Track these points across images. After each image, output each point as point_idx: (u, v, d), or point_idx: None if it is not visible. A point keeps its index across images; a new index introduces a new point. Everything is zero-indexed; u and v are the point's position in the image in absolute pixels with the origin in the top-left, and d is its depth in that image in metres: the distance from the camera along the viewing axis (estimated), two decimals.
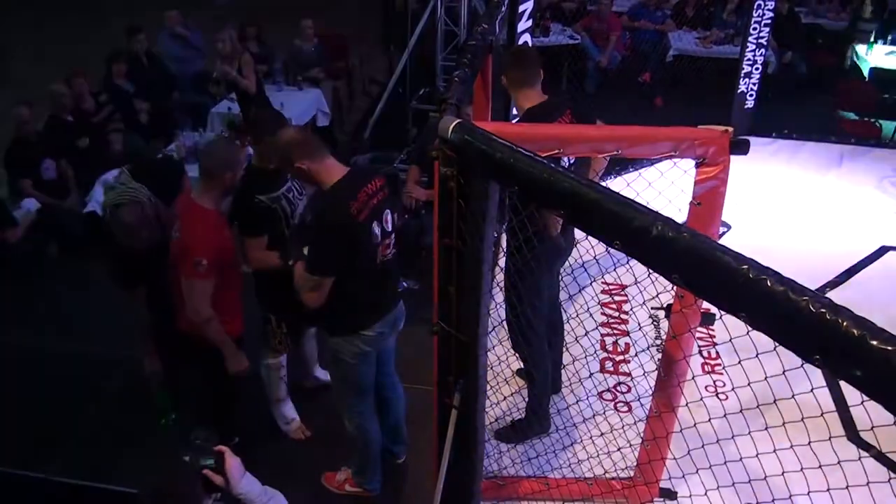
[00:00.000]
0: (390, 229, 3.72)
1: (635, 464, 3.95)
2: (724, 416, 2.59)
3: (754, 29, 7.82)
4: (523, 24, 5.98)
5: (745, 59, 7.99)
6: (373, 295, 3.78)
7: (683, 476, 3.08)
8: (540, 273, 3.93)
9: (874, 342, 1.21)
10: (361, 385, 3.99)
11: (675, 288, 2.74)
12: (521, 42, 6.00)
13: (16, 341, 5.64)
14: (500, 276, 4.36)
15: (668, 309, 3.33)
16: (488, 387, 2.89)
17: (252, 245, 4.07)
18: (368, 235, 3.57)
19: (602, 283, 5.78)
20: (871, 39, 9.99)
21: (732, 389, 4.60)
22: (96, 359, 5.42)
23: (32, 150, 7.00)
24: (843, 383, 1.27)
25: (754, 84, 8.13)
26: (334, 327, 3.85)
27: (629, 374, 5.05)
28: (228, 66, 7.89)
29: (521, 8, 5.85)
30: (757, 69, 8.06)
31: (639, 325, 5.37)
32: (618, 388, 4.95)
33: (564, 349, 4.52)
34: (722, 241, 1.52)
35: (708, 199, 2.96)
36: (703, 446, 2.78)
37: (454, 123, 2.10)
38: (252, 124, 4.50)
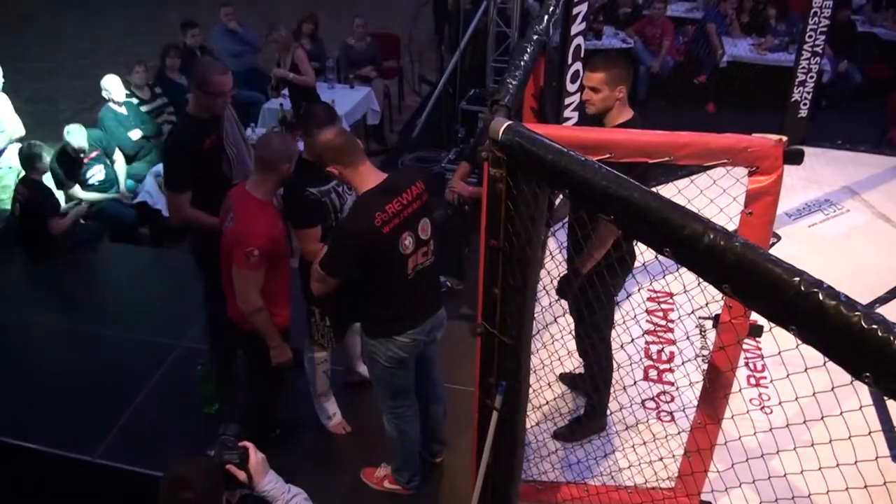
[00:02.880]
0: (426, 237, 3.71)
1: (676, 475, 3.91)
2: (770, 430, 2.55)
3: (810, 37, 7.71)
4: (577, 27, 5.94)
5: (800, 66, 7.88)
6: (405, 303, 3.76)
7: (726, 489, 3.05)
8: (615, 283, 3.96)
9: None
10: (397, 388, 3.99)
11: (724, 298, 2.71)
12: (574, 45, 5.97)
13: (68, 325, 5.76)
14: (545, 279, 4.35)
15: (715, 319, 3.30)
16: (530, 390, 2.88)
17: (306, 236, 4.09)
18: (394, 247, 3.55)
19: (649, 290, 5.74)
20: None
21: (779, 403, 4.53)
22: (144, 344, 5.50)
23: (79, 160, 7.10)
24: (889, 402, 1.25)
25: (808, 92, 8.01)
26: (370, 330, 3.87)
27: (673, 384, 5.00)
28: (282, 61, 7.97)
29: (575, 10, 5.82)
30: (811, 77, 7.94)
31: (685, 334, 5.32)
32: (661, 397, 4.91)
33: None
34: (772, 252, 1.50)
35: (760, 208, 2.92)
36: (746, 460, 2.74)
37: (505, 125, 2.10)
38: (304, 117, 4.53)
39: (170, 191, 4.55)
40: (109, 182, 7.31)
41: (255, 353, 4.11)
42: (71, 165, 7.03)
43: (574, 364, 4.56)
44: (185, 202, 4.36)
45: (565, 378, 4.79)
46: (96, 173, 7.21)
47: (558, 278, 3.99)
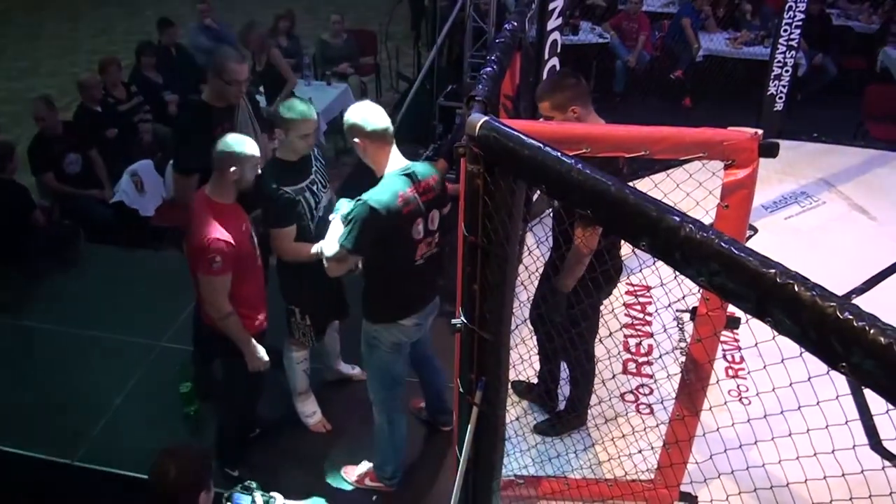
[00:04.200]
0: (435, 228, 3.80)
1: (656, 467, 3.93)
2: (748, 421, 2.57)
3: (785, 31, 7.76)
4: (553, 22, 5.95)
5: (776, 60, 7.93)
6: (412, 288, 3.86)
7: (705, 480, 3.06)
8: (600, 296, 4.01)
9: None
10: (392, 376, 4.04)
11: (701, 291, 2.72)
12: (550, 40, 5.98)
13: (44, 327, 5.70)
14: (523, 275, 4.36)
15: (693, 312, 3.32)
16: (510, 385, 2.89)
17: (280, 235, 4.08)
18: (409, 229, 3.64)
19: (627, 283, 5.76)
20: None
21: (756, 394, 4.57)
22: (122, 346, 5.46)
23: (56, 145, 7.02)
24: (866, 391, 1.26)
25: (784, 86, 8.07)
26: (375, 315, 3.90)
27: (652, 377, 5.03)
28: (257, 60, 7.95)
29: (551, 6, 5.82)
30: (787, 71, 7.99)
31: (663, 326, 5.34)
32: (640, 389, 4.93)
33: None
34: (748, 245, 1.51)
35: (736, 201, 2.94)
36: (725, 451, 2.76)
37: (482, 121, 2.09)
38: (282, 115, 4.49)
39: (177, 173, 4.63)
40: (86, 175, 7.23)
41: (231, 357, 4.04)
42: (47, 151, 6.95)
43: (530, 373, 4.56)
44: (191, 186, 4.32)
45: (518, 387, 4.75)
46: (73, 163, 7.11)
47: (538, 302, 4.06)
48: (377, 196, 3.56)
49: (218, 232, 3.71)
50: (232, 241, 3.73)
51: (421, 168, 3.80)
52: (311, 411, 4.74)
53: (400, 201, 3.57)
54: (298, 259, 4.12)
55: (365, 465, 4.42)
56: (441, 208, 3.86)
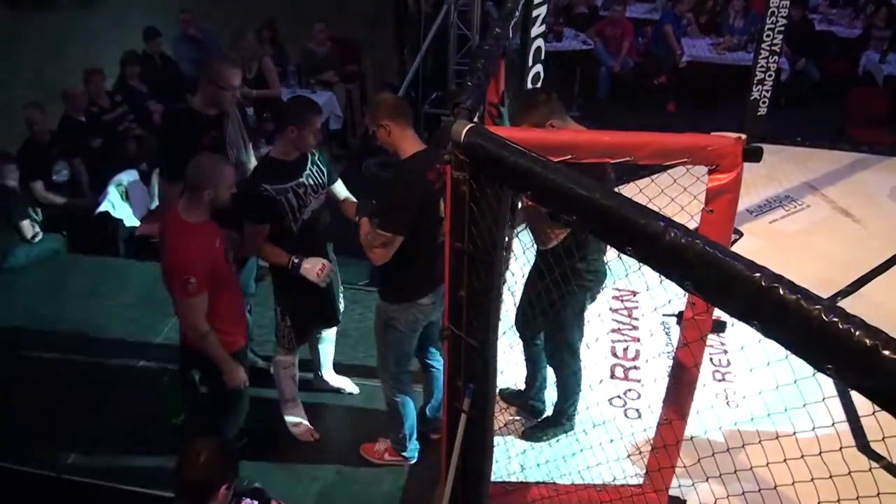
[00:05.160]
0: None
1: (645, 471, 3.94)
2: (735, 424, 2.58)
3: (768, 36, 7.81)
4: (537, 29, 5.97)
5: (759, 65, 7.98)
6: (432, 268, 3.83)
7: (693, 484, 3.07)
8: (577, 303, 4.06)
9: (886, 352, 1.20)
10: (407, 353, 4.15)
11: (687, 295, 2.74)
12: (534, 47, 5.99)
13: (28, 339, 5.65)
14: (510, 280, 4.37)
15: (679, 316, 3.33)
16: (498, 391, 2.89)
17: (252, 231, 4.06)
18: (437, 206, 3.72)
19: (613, 288, 5.77)
20: (885, 47, 9.94)
21: (743, 398, 4.59)
22: (107, 357, 5.41)
23: (45, 153, 6.98)
24: (853, 393, 1.26)
25: (767, 91, 8.12)
26: (393, 295, 3.98)
27: (639, 381, 5.04)
28: (247, 69, 7.94)
29: (535, 13, 5.84)
30: (770, 76, 8.05)
31: (650, 331, 5.36)
32: (627, 394, 4.94)
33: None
34: (733, 249, 1.51)
35: (720, 206, 2.95)
36: (713, 454, 2.77)
37: (467, 128, 2.10)
38: (281, 112, 4.49)
39: (163, 180, 4.64)
40: (73, 185, 7.18)
41: (211, 374, 3.98)
42: (36, 158, 6.91)
43: (516, 380, 4.58)
44: (176, 193, 4.30)
45: (505, 393, 4.76)
46: (61, 170, 7.06)
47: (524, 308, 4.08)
48: (406, 179, 3.73)
49: (191, 253, 3.66)
50: (206, 260, 3.69)
51: (437, 156, 3.91)
52: (296, 420, 4.71)
53: (431, 175, 3.70)
54: (267, 260, 4.11)
55: (383, 442, 4.49)
56: None
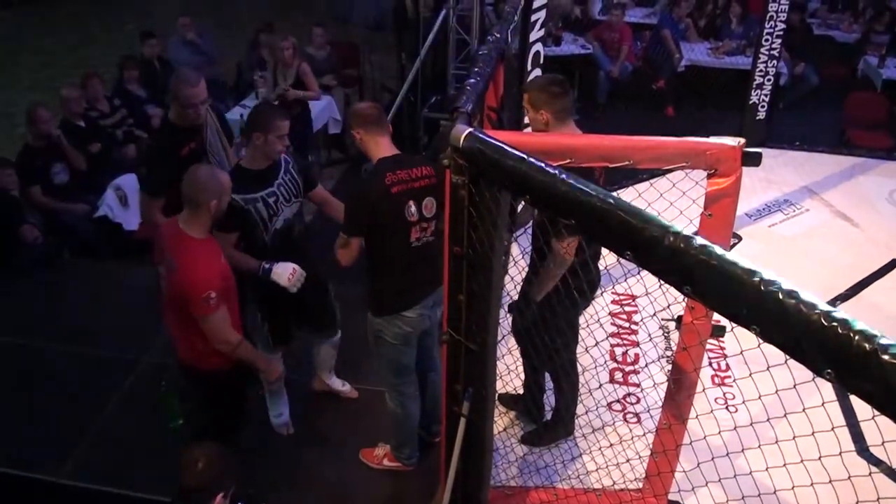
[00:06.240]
0: (430, 216, 3.88)
1: (644, 475, 3.93)
2: (734, 428, 2.58)
3: (766, 40, 7.81)
4: (535, 34, 5.97)
5: (757, 69, 7.98)
6: (408, 276, 3.93)
7: (692, 489, 3.07)
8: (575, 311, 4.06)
9: (885, 356, 1.20)
10: (402, 364, 4.15)
11: (686, 299, 2.73)
12: (533, 51, 6.00)
13: (28, 343, 5.65)
14: (508, 286, 4.37)
15: (678, 320, 3.32)
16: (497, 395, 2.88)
17: (220, 239, 3.98)
18: (400, 209, 3.77)
19: (612, 293, 5.77)
20: (884, 51, 9.95)
21: (743, 402, 4.58)
22: (106, 361, 5.42)
23: (43, 155, 6.96)
24: (852, 397, 1.26)
25: (766, 95, 8.12)
26: (377, 308, 4.01)
27: (638, 385, 5.03)
28: (281, 75, 7.97)
29: (533, 17, 5.85)
30: (769, 80, 8.04)
31: (649, 336, 5.36)
32: (627, 398, 4.94)
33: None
34: (733, 253, 1.51)
35: (719, 210, 2.95)
36: (712, 459, 2.77)
37: (466, 132, 2.10)
38: (250, 119, 4.44)
39: (144, 193, 4.64)
40: (72, 187, 7.17)
41: (213, 394, 4.00)
42: (34, 162, 6.89)
43: (515, 384, 4.56)
44: (156, 207, 4.31)
45: (504, 398, 4.73)
46: (60, 172, 7.04)
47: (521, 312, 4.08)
48: (365, 183, 3.82)
49: (207, 271, 3.64)
50: (220, 276, 3.70)
51: (413, 159, 4.01)
52: (278, 411, 4.71)
53: (388, 181, 3.73)
54: (237, 267, 4.05)
55: (382, 447, 4.52)
56: (438, 197, 3.87)
